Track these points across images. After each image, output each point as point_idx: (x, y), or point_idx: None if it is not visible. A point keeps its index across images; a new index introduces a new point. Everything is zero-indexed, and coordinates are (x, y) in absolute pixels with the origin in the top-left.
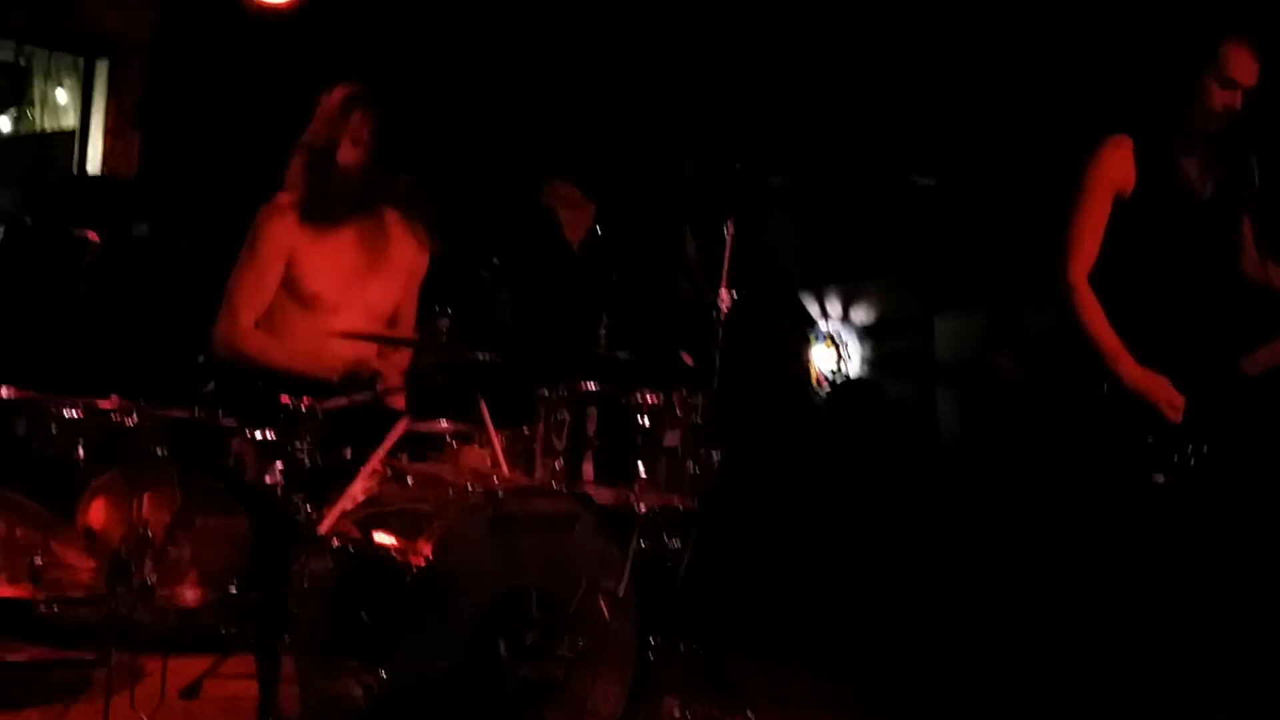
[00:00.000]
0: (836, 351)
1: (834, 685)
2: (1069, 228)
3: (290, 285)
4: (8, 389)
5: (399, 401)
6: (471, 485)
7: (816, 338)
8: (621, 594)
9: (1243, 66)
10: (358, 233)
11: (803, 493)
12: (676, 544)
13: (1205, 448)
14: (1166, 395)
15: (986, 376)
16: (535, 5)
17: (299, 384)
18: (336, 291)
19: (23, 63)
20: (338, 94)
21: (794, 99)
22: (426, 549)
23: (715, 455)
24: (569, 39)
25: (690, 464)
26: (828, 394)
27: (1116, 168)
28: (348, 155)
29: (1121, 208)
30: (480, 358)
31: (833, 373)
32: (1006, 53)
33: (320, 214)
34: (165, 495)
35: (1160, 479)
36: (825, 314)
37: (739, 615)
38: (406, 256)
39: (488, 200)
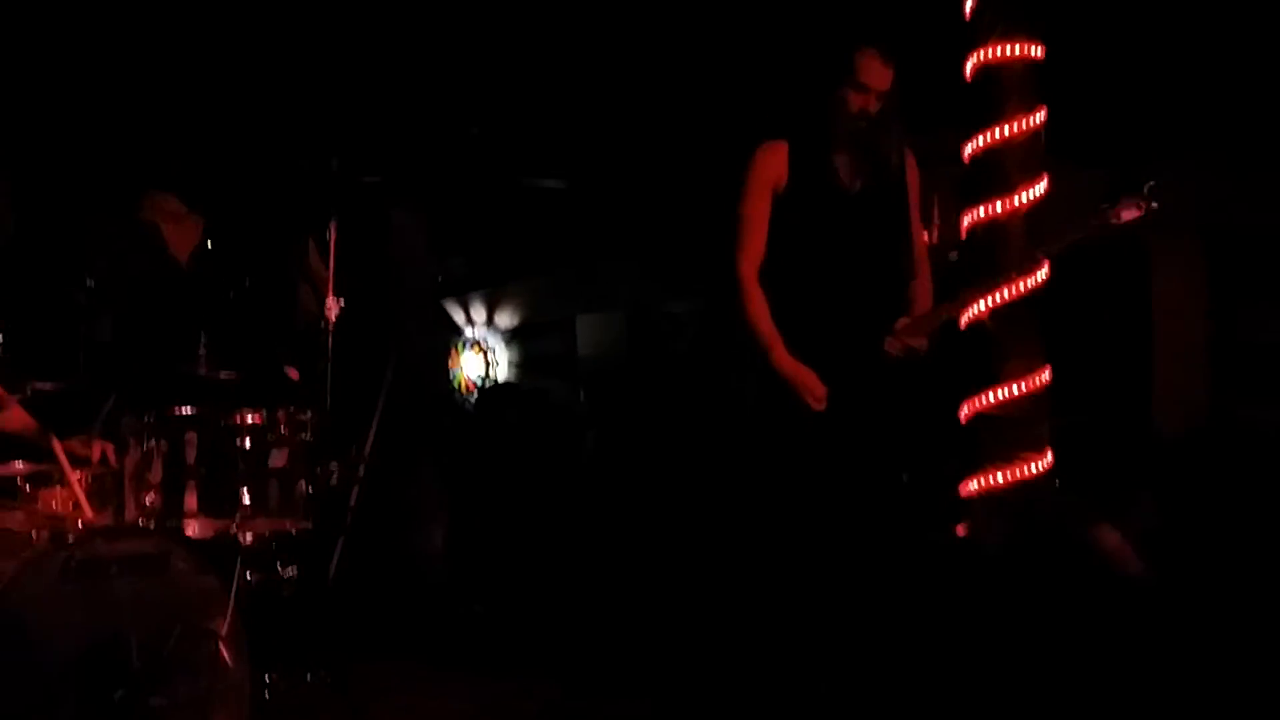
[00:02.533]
0: (484, 357)
1: (490, 686)
2: (735, 226)
3: None
4: None
5: None
6: (39, 532)
7: (463, 345)
8: (225, 632)
9: (873, 72)
10: None
11: (453, 496)
12: (291, 571)
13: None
14: (810, 384)
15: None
16: (118, 9)
17: None
18: None
19: None
20: None
21: (418, 98)
22: None
23: (332, 470)
24: (168, 41)
25: (302, 484)
26: (475, 398)
27: (770, 168)
28: None
29: (779, 205)
30: (43, 388)
31: (481, 378)
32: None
33: None
34: None
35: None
36: (470, 320)
37: (386, 628)
38: None
39: (76, 216)
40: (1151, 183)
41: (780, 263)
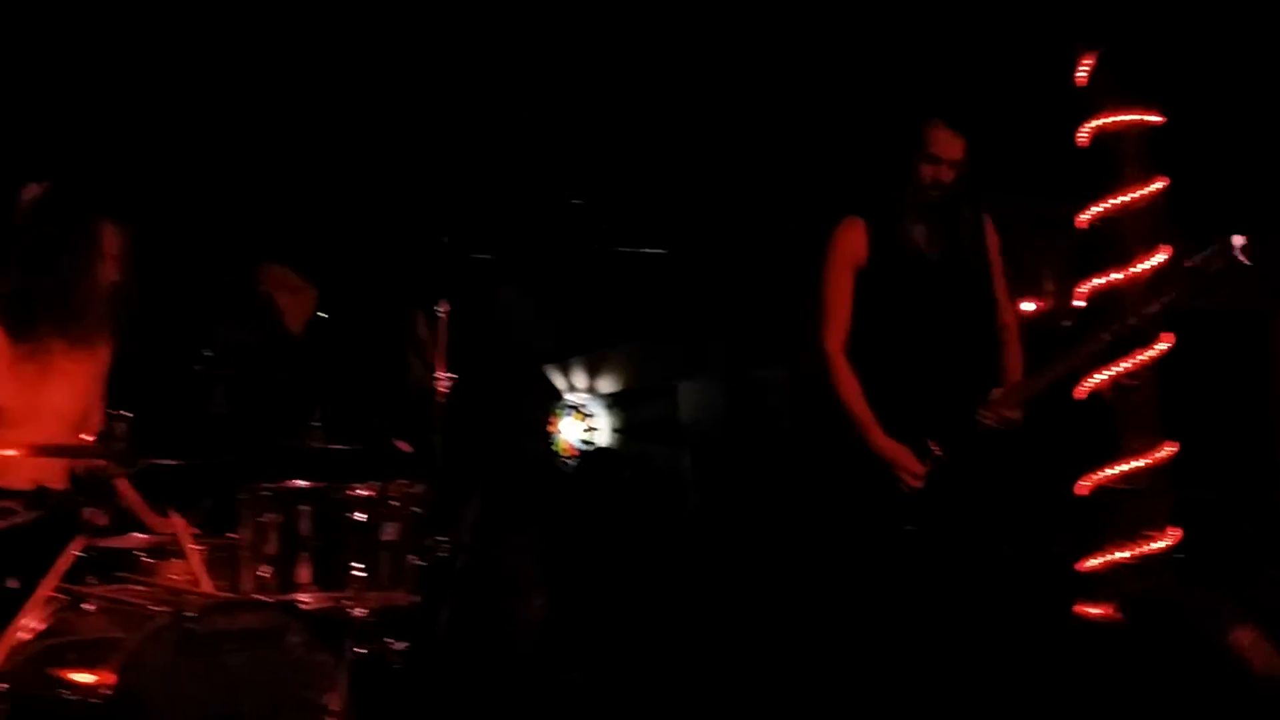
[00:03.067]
0: (584, 422)
1: None
2: (820, 303)
3: None
4: None
5: (79, 518)
6: (164, 605)
7: (564, 411)
8: (336, 707)
9: (943, 143)
10: (56, 341)
11: (553, 562)
12: (401, 644)
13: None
14: (908, 463)
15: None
16: (236, 88)
17: None
18: (23, 404)
19: None
20: (59, 197)
21: (522, 173)
22: (108, 680)
23: (440, 543)
24: (285, 114)
25: (413, 557)
26: (576, 464)
27: (850, 244)
28: (100, 271)
29: (862, 280)
30: (166, 463)
31: (583, 443)
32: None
33: (38, 329)
34: None
35: (910, 528)
36: (571, 386)
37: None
38: (98, 358)
39: (197, 288)
40: (1236, 238)
41: (867, 338)
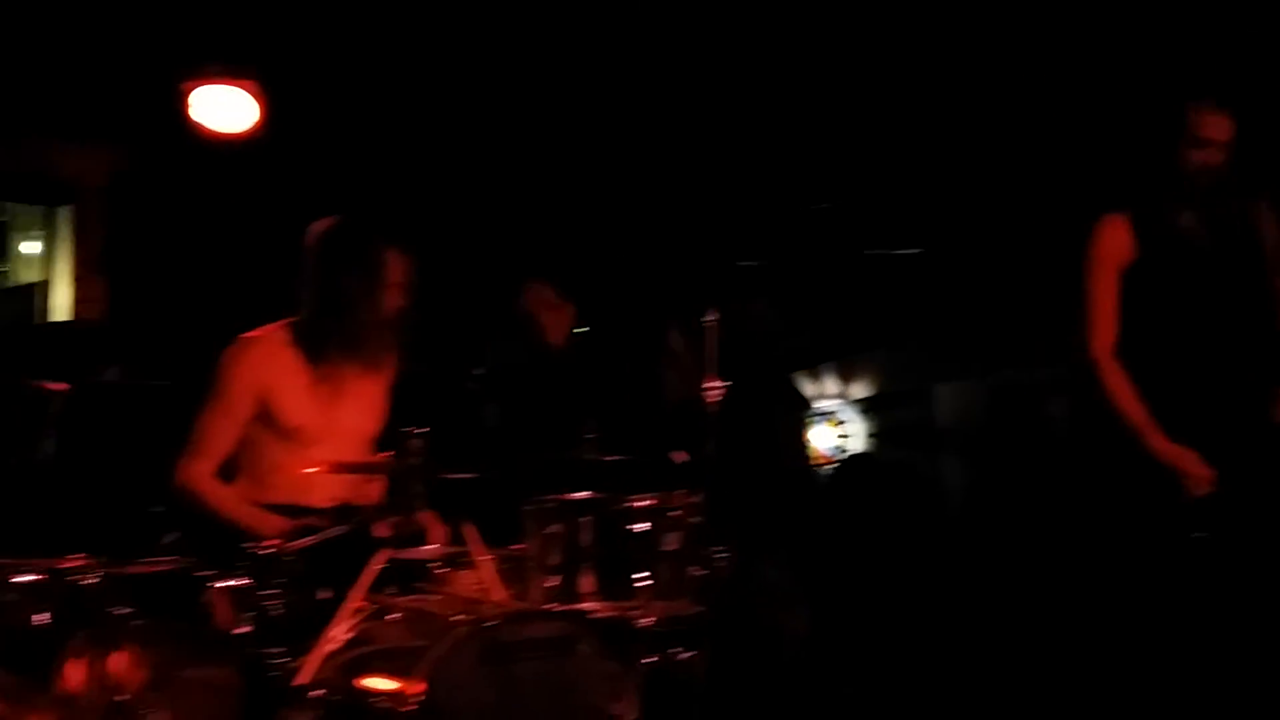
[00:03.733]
0: (837, 429)
1: None
2: (1084, 307)
3: (267, 420)
4: None
5: (378, 532)
6: (461, 615)
7: (815, 418)
8: (630, 717)
9: (1212, 125)
10: (347, 364)
11: (817, 573)
12: (687, 655)
13: (1240, 506)
14: (1195, 469)
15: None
16: (498, 112)
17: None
18: (319, 423)
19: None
20: (348, 230)
21: (770, 175)
22: (418, 690)
23: (722, 553)
24: (545, 143)
25: (694, 567)
26: (831, 472)
27: (1113, 243)
28: (386, 298)
29: (1129, 278)
30: (459, 477)
31: (837, 450)
32: (989, 122)
33: (330, 353)
34: (137, 653)
35: (1199, 535)
36: (823, 393)
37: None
38: (385, 378)
39: (466, 309)
40: None
41: (1140, 338)
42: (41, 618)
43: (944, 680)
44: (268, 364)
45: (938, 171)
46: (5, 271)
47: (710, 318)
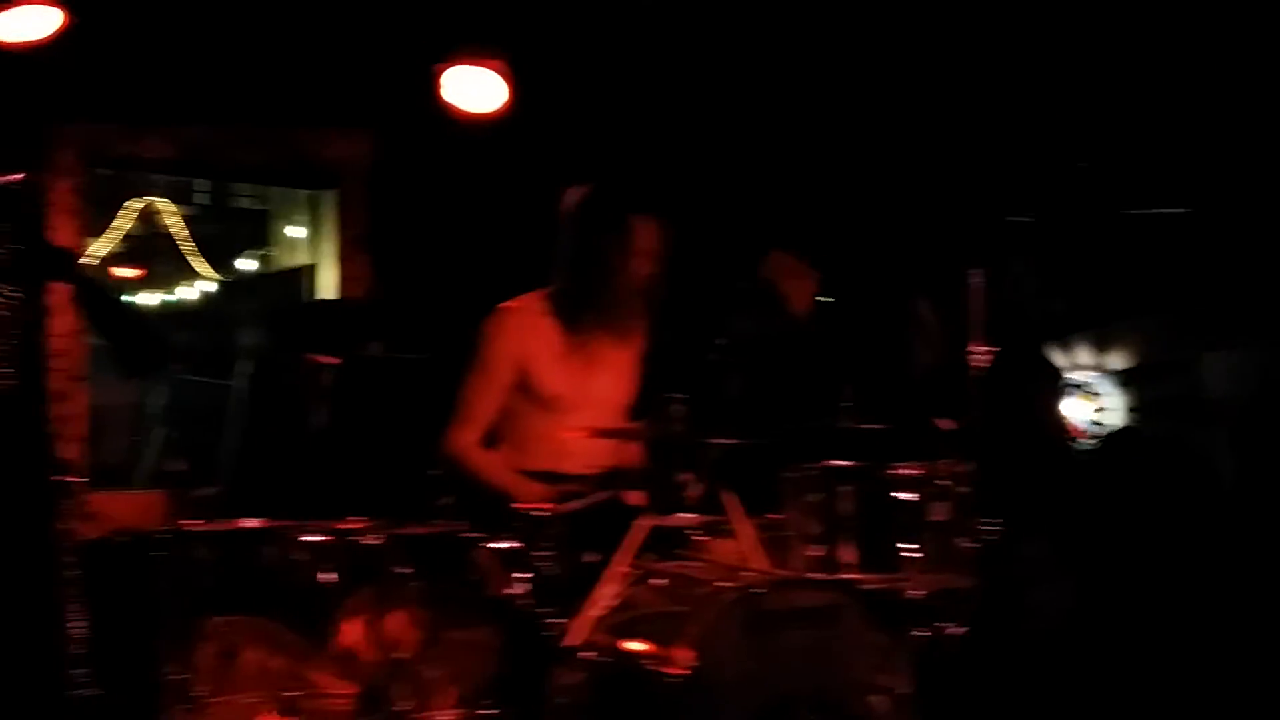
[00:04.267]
0: (1092, 402)
1: None
2: None
3: (526, 388)
4: (254, 519)
5: (638, 499)
6: (724, 582)
7: (1068, 389)
8: (901, 689)
9: None
10: (600, 332)
11: (1079, 549)
12: (956, 630)
13: None
14: None
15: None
16: (740, 81)
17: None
18: (575, 391)
19: (261, 207)
20: (601, 199)
21: (1034, 131)
22: (686, 656)
23: (991, 526)
24: (781, 113)
25: (962, 539)
26: (1092, 447)
27: None
28: (637, 265)
29: None
30: (722, 444)
31: (1092, 424)
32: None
33: (585, 321)
34: (413, 613)
35: None
36: (1077, 363)
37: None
38: (636, 346)
39: (709, 278)
40: None
41: None
42: (328, 577)
43: (1212, 665)
44: (525, 333)
45: (1206, 123)
46: (270, 255)
47: (974, 279)
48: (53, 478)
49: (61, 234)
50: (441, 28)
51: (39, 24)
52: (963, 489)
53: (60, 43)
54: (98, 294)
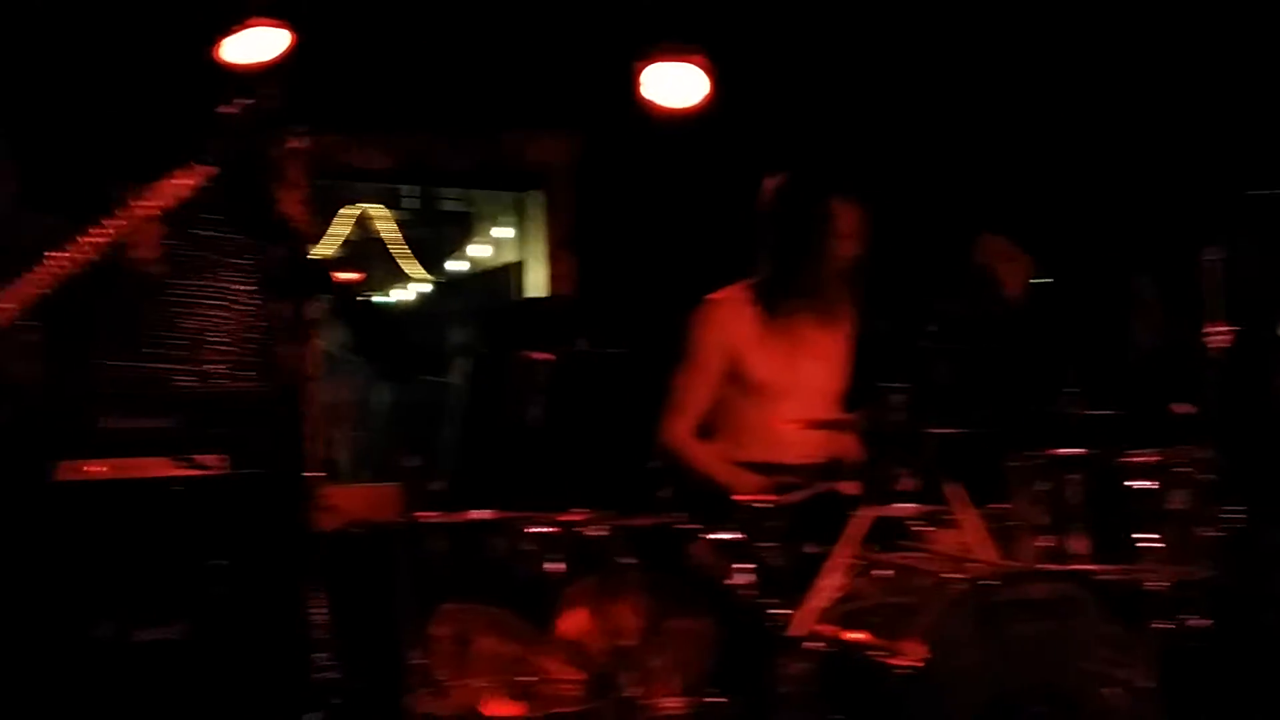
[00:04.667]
0: None
1: None
2: None
3: (736, 378)
4: (484, 511)
5: (855, 489)
6: (951, 573)
7: None
8: (1143, 683)
9: None
10: (805, 317)
11: None
12: (1199, 622)
13: None
14: None
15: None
16: (951, 57)
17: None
18: (784, 379)
19: (467, 209)
20: (799, 182)
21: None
22: (915, 649)
23: (1234, 514)
24: (996, 88)
25: (1203, 528)
26: None
27: None
28: (839, 248)
29: None
30: (942, 433)
31: None
32: None
33: (789, 307)
34: (636, 602)
35: None
36: None
37: None
38: (843, 333)
39: (919, 264)
40: None
41: None
42: (554, 567)
43: None
44: (732, 323)
45: None
46: (477, 256)
47: (1211, 256)
48: (302, 474)
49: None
50: (639, 25)
51: (268, 45)
52: (1203, 476)
53: (286, 60)
54: (364, 309)
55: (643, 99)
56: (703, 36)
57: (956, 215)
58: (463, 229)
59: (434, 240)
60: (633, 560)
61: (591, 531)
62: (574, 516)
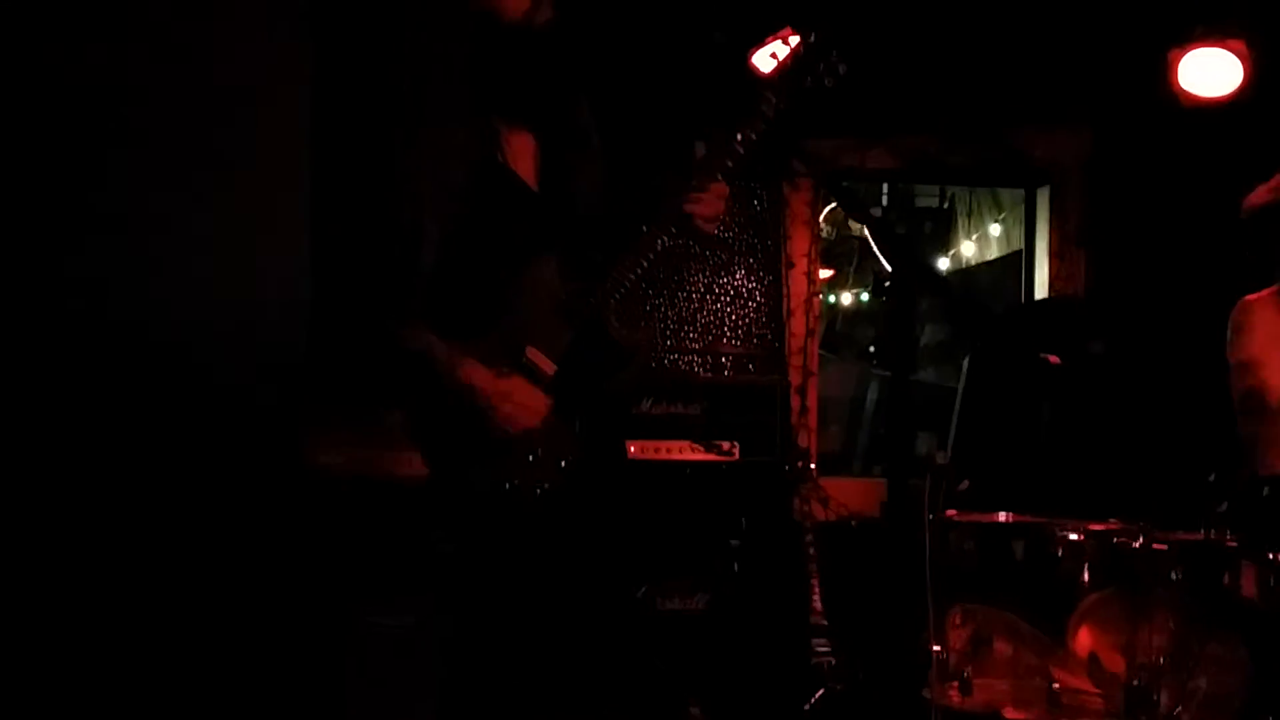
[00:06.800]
0: None
1: None
2: None
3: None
4: (1008, 514)
5: None
6: None
7: None
8: None
9: None
10: None
11: None
12: None
13: None
14: None
15: None
16: None
17: None
18: None
19: (946, 206)
20: None
21: None
22: None
23: None
24: None
25: None
26: None
27: None
28: None
29: None
30: None
31: None
32: None
33: None
34: (1164, 621)
35: None
36: None
37: None
38: None
39: None
40: None
41: None
42: (1072, 575)
43: None
44: (1270, 325)
45: None
46: (957, 253)
47: None
48: (795, 465)
49: (797, 245)
50: (1176, 13)
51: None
52: None
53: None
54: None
55: (1175, 88)
56: (1244, 21)
57: None
58: (938, 225)
59: (909, 237)
60: (1177, 577)
61: (1126, 543)
62: (1107, 526)
